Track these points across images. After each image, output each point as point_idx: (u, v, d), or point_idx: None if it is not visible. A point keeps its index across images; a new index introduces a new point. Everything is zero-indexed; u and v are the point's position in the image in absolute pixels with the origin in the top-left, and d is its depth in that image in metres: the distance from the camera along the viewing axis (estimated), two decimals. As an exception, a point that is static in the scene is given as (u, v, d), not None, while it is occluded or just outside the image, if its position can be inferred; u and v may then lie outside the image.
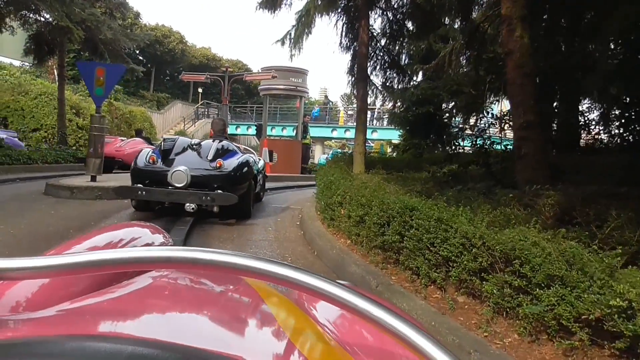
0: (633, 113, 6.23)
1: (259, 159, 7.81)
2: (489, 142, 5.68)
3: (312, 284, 0.48)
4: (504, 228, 3.00)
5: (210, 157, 5.96)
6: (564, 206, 3.60)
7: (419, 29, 9.34)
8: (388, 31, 9.15)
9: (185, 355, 0.42)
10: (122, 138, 14.34)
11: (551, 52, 7.01)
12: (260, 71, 16.60)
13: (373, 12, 8.66)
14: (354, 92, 9.14)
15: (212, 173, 5.79)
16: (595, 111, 7.66)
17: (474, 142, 5.75)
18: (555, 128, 7.39)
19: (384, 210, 3.83)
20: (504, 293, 2.54)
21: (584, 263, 2.29)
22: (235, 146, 6.77)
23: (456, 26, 10.03)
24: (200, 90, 37.08)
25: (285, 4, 8.43)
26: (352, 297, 0.47)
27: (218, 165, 5.82)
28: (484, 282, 2.72)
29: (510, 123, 6.21)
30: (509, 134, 7.35)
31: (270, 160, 9.98)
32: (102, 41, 14.27)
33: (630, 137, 6.63)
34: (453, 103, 8.97)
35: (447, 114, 8.10)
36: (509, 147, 5.94)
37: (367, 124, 8.81)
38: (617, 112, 7.20)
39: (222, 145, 6.24)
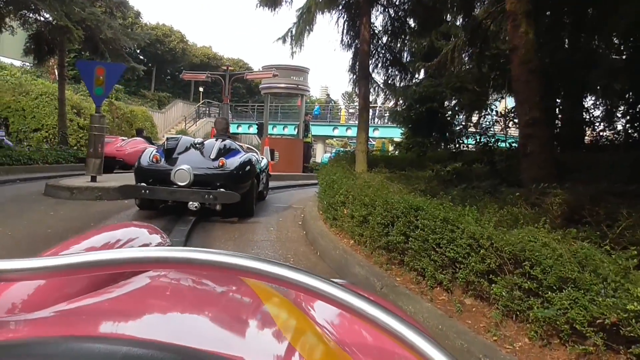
0: (639, 110, 6.16)
1: (262, 158, 7.83)
2: (493, 139, 5.59)
3: (308, 284, 0.47)
4: (512, 228, 2.92)
5: (213, 156, 5.99)
6: (572, 205, 3.52)
7: (421, 26, 9.25)
8: (390, 28, 9.06)
9: (182, 355, 0.42)
10: (123, 138, 14.27)
11: (555, 48, 6.92)
12: (261, 70, 16.51)
13: (374, 9, 8.58)
14: (356, 90, 9.06)
15: (214, 172, 5.80)
16: (599, 108, 7.59)
17: (478, 140, 5.67)
18: (559, 125, 7.31)
19: (388, 210, 3.75)
20: (514, 295, 2.47)
21: (596, 264, 2.22)
22: (238, 145, 6.79)
23: (458, 23, 9.97)
24: (201, 89, 37.01)
25: (286, 2, 8.35)
26: (348, 296, 0.47)
27: (221, 164, 5.84)
28: (492, 285, 2.65)
29: (515, 120, 6.13)
30: (512, 131, 7.30)
31: (272, 159, 9.91)
32: (102, 41, 14.21)
33: (636, 134, 6.55)
34: (455, 101, 8.90)
35: (450, 112, 8.00)
36: (513, 144, 5.87)
37: (369, 122, 8.72)
38: (622, 109, 7.14)
39: (225, 144, 6.28)
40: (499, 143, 5.78)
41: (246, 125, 32.09)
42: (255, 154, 7.11)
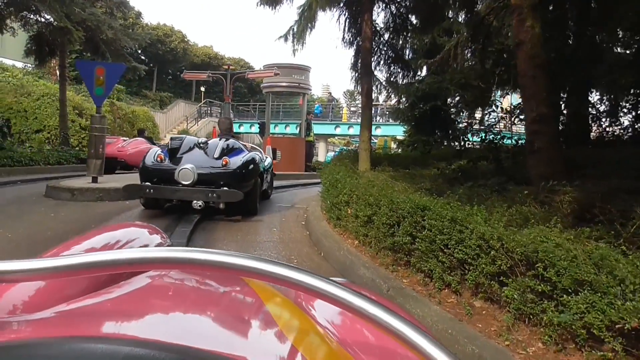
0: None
1: (266, 157, 7.86)
2: (499, 136, 5.50)
3: (309, 283, 0.47)
4: (522, 228, 2.84)
5: (216, 155, 6.06)
6: (583, 203, 3.43)
7: (423, 23, 9.14)
8: (391, 25, 8.96)
9: (185, 355, 0.42)
10: (125, 138, 14.21)
11: (560, 43, 6.82)
12: (262, 69, 16.42)
13: (376, 6, 8.47)
14: (358, 88, 8.95)
15: (218, 171, 5.86)
16: (605, 103, 7.47)
17: (483, 137, 5.57)
18: (563, 121, 7.20)
19: (393, 210, 3.67)
20: (526, 298, 2.38)
21: (612, 266, 2.13)
22: (242, 144, 6.84)
23: (460, 19, 9.87)
24: (202, 89, 36.96)
25: (287, -1, 8.25)
26: (349, 295, 0.47)
27: (224, 163, 5.90)
28: (503, 287, 2.56)
29: (520, 117, 6.04)
30: (516, 128, 7.19)
31: (274, 158, 9.84)
32: (103, 41, 14.15)
33: (643, 130, 6.44)
34: (458, 97, 8.80)
35: (455, 109, 7.90)
36: (519, 141, 5.77)
37: (372, 120, 8.61)
38: (628, 104, 7.03)
39: (228, 144, 6.35)
40: (505, 140, 5.68)
41: (248, 124, 32.00)
42: (258, 153, 7.14)
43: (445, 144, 9.17)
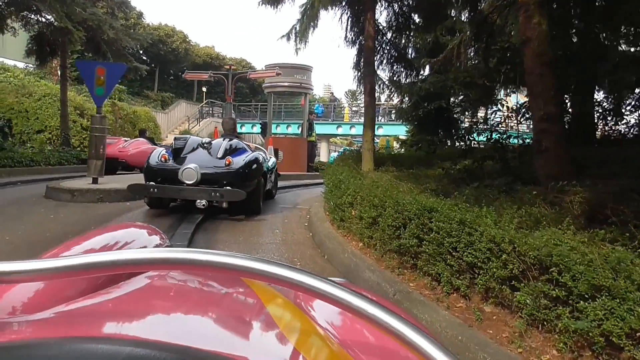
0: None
1: (270, 157, 7.91)
2: (505, 136, 5.40)
3: (308, 283, 0.47)
4: (532, 230, 2.75)
5: (220, 155, 6.13)
6: (594, 204, 3.34)
7: (426, 21, 9.07)
8: (394, 24, 8.88)
9: (185, 355, 0.42)
10: (126, 138, 14.14)
11: (564, 41, 6.72)
12: (264, 69, 16.33)
13: (378, 5, 8.40)
14: (361, 87, 8.88)
15: (221, 170, 5.92)
16: (608, 101, 7.37)
17: (489, 137, 5.47)
18: (569, 119, 7.09)
19: (399, 212, 3.58)
20: (539, 304, 2.30)
21: (630, 270, 2.04)
22: (245, 144, 6.91)
23: (463, 18, 9.78)
24: (204, 89, 36.87)
25: (289, -2, 8.17)
26: (348, 295, 0.47)
27: (227, 162, 5.96)
28: (515, 292, 2.47)
29: (526, 115, 5.95)
30: (520, 127, 7.08)
31: (276, 158, 9.78)
32: (104, 41, 14.11)
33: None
34: (462, 97, 8.70)
35: (460, 108, 7.80)
36: (526, 140, 5.68)
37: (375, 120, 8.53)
38: (633, 102, 6.93)
39: (232, 144, 6.41)
40: (510, 139, 5.58)
41: (250, 124, 31.89)
42: (262, 153, 7.17)
43: (448, 143, 9.08)
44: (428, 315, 2.77)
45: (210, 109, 34.07)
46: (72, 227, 5.23)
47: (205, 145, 6.32)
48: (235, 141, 6.55)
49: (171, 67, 40.13)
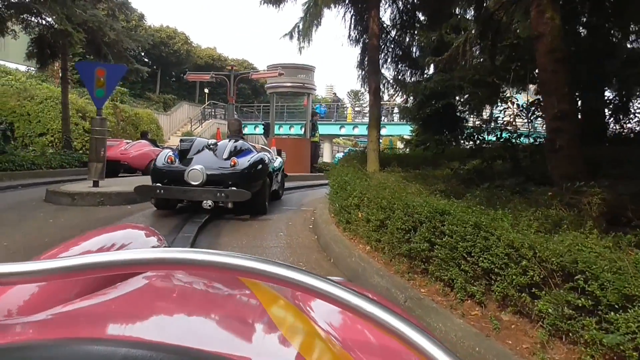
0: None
1: (276, 158, 7.97)
2: (515, 135, 5.25)
3: (306, 282, 0.47)
4: (551, 233, 2.61)
5: (225, 156, 6.20)
6: (613, 205, 3.20)
7: (431, 19, 8.92)
8: (398, 22, 8.73)
9: (183, 356, 0.42)
10: (128, 141, 14.02)
11: (574, 37, 6.57)
12: (266, 69, 16.21)
13: (382, 2, 8.26)
14: (365, 86, 8.73)
15: (226, 171, 5.99)
16: (621, 99, 7.20)
17: (498, 136, 5.32)
18: (579, 117, 6.93)
19: (409, 215, 3.44)
20: (563, 314, 2.15)
21: (662, 278, 1.90)
22: (251, 145, 7.01)
23: (468, 16, 9.63)
24: (206, 90, 36.80)
25: (291, -3, 8.04)
26: (346, 294, 0.47)
27: (232, 163, 6.04)
28: (535, 300, 2.33)
29: (537, 113, 5.80)
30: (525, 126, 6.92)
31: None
32: (105, 43, 14.00)
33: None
34: (468, 95, 8.55)
35: (468, 106, 7.64)
36: (538, 139, 5.52)
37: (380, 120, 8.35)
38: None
39: (237, 145, 6.49)
40: (521, 138, 5.42)
41: (252, 125, 31.80)
42: (268, 153, 7.22)
43: (454, 143, 8.92)
44: (442, 324, 2.62)
45: (213, 110, 33.96)
46: (72, 231, 5.10)
47: (211, 146, 6.39)
48: (240, 142, 6.62)
49: (173, 69, 40.10)
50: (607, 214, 3.16)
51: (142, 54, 33.74)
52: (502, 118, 5.80)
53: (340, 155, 23.44)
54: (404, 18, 8.68)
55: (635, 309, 1.82)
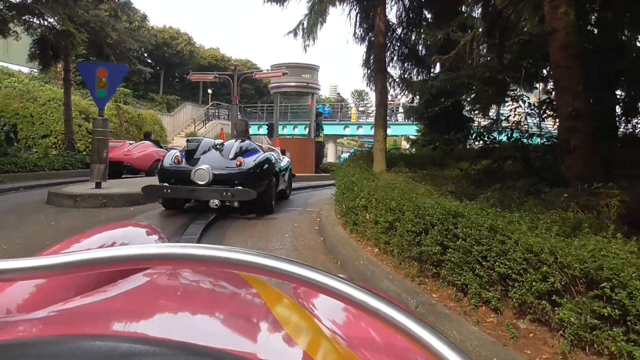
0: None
1: (283, 158, 8.04)
2: (527, 134, 5.12)
3: (308, 277, 0.47)
4: (570, 237, 2.49)
5: (231, 156, 6.27)
6: (633, 207, 3.07)
7: (437, 17, 8.79)
8: (404, 19, 8.61)
9: (185, 351, 0.41)
10: (131, 142, 13.95)
11: (585, 34, 6.43)
12: (270, 69, 16.09)
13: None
14: (370, 85, 8.61)
15: (232, 171, 6.05)
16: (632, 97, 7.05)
17: (509, 135, 5.19)
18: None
19: (420, 217, 3.32)
20: (586, 323, 2.03)
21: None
22: (257, 145, 7.10)
23: (474, 14, 9.50)
24: (210, 91, 36.73)
25: (295, -5, 7.94)
26: (350, 289, 0.47)
27: (238, 163, 6.09)
28: (555, 307, 2.21)
29: (547, 112, 5.66)
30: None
31: (283, 160, 9.55)
32: (107, 44, 13.93)
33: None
34: (474, 95, 8.42)
35: (477, 105, 7.50)
36: (551, 139, 5.38)
37: (387, 119, 8.23)
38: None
39: (243, 145, 6.57)
40: (532, 138, 5.29)
41: (256, 126, 31.67)
42: (274, 153, 7.29)
43: (461, 142, 8.79)
44: (456, 332, 2.50)
45: (216, 111, 33.87)
46: (73, 234, 4.96)
47: (217, 146, 6.45)
48: (247, 142, 6.69)
49: (176, 70, 40.06)
50: (626, 217, 3.03)
51: (145, 54, 33.72)
52: (512, 117, 5.66)
53: (345, 155, 23.33)
54: (411, 15, 8.56)
55: (669, 320, 1.70)
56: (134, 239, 1.17)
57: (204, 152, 6.36)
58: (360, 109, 34.35)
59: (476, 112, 8.01)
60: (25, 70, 23.74)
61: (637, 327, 1.81)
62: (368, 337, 0.75)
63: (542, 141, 5.54)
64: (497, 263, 2.53)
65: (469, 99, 8.67)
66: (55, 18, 11.18)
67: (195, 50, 40.67)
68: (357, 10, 8.18)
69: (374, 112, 8.15)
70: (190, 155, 6.31)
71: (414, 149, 11.71)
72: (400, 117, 27.03)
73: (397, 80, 9.13)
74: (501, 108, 8.88)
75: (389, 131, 26.87)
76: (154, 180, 6.27)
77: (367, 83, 8.77)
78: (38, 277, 0.65)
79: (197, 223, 5.61)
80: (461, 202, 3.25)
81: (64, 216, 6.04)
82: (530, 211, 3.09)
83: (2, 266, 0.49)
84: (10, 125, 16.21)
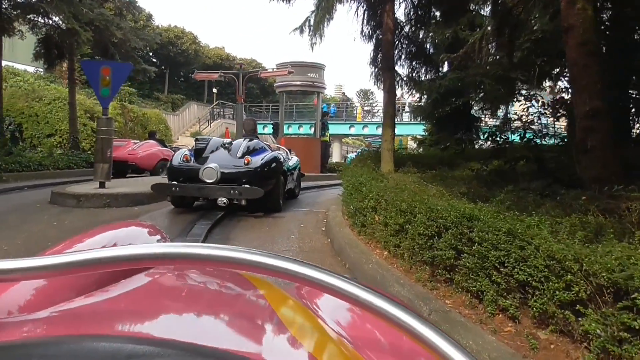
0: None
1: (292, 157, 8.10)
2: (540, 134, 4.98)
3: (312, 276, 0.47)
4: (593, 243, 2.36)
5: (239, 155, 6.35)
6: (656, 211, 2.93)
7: (446, 15, 8.65)
8: (413, 17, 8.46)
9: (190, 352, 0.41)
10: (135, 141, 13.89)
11: (601, 31, 6.28)
12: (275, 68, 15.98)
13: (396, -3, 8.00)
14: (378, 84, 8.49)
15: (240, 169, 6.11)
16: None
17: (522, 135, 5.06)
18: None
19: (432, 219, 3.19)
20: (614, 336, 1.90)
21: None
22: (265, 144, 7.18)
23: (483, 12, 9.36)
24: (215, 90, 36.69)
25: (302, -7, 7.85)
26: (355, 288, 0.46)
27: (246, 161, 6.17)
28: (579, 318, 2.08)
29: (561, 112, 5.52)
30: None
31: (289, 159, 9.47)
32: (112, 43, 13.88)
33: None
34: (483, 94, 8.27)
35: (488, 104, 7.36)
36: (564, 139, 5.24)
37: (394, 119, 8.09)
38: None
39: (251, 144, 6.65)
40: (546, 138, 5.15)
41: (261, 125, 31.60)
42: (282, 152, 7.34)
43: (470, 143, 8.65)
44: (473, 342, 2.38)
45: (221, 110, 33.81)
46: (76, 235, 4.91)
47: (226, 145, 6.52)
48: (255, 141, 6.77)
49: (181, 69, 40.06)
50: (650, 221, 2.90)
51: (150, 54, 33.73)
52: (523, 116, 5.52)
53: (352, 155, 23.18)
54: (419, 13, 8.42)
55: None
56: (136, 239, 1.15)
57: (213, 151, 6.43)
58: (366, 108, 34.20)
59: (485, 111, 7.86)
60: (31, 69, 23.75)
61: (672, 341, 1.69)
62: (373, 338, 0.75)
63: (555, 141, 5.39)
64: (515, 269, 2.41)
65: (477, 98, 8.53)
66: (60, 17, 11.12)
67: (200, 49, 40.65)
68: (364, 8, 8.05)
69: (380, 111, 8.03)
70: (198, 154, 6.40)
71: (421, 149, 11.57)
72: (406, 116, 26.86)
73: (405, 79, 8.99)
74: (510, 107, 8.74)
75: (396, 130, 26.68)
76: (158, 180, 6.22)
77: (374, 82, 8.65)
78: (40, 277, 0.65)
79: (202, 223, 5.53)
80: (476, 205, 3.13)
81: (67, 216, 5.96)
82: (547, 214, 2.97)
83: (3, 266, 0.48)
84: (15, 124, 16.19)
